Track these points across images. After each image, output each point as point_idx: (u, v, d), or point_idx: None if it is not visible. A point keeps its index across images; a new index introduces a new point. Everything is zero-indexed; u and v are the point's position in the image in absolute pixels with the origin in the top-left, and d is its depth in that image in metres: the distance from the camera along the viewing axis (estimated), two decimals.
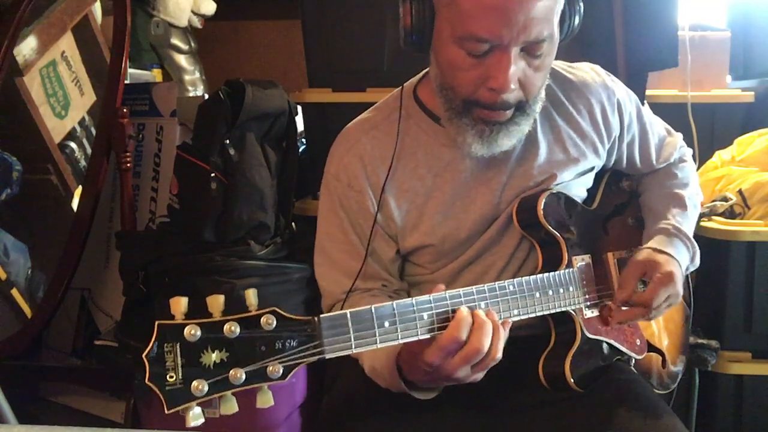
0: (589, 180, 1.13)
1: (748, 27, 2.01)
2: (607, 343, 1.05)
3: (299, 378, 1.59)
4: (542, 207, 1.01)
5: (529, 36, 0.88)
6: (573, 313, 1.00)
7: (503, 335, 0.86)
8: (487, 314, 0.85)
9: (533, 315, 0.95)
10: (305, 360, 0.73)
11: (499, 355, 0.86)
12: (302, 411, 1.62)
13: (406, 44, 0.99)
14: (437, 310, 0.83)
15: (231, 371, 0.69)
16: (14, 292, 1.98)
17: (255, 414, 1.53)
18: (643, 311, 1.02)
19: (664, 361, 1.17)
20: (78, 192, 2.07)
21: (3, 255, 1.96)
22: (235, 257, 1.49)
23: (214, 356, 0.68)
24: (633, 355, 1.08)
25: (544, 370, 1.00)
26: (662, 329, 1.19)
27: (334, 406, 1.08)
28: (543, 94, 1.00)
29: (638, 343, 1.10)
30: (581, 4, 0.97)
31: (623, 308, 1.03)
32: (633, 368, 1.11)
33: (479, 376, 0.87)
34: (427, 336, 0.83)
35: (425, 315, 0.82)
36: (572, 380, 0.98)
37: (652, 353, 1.14)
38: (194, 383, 0.67)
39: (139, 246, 1.61)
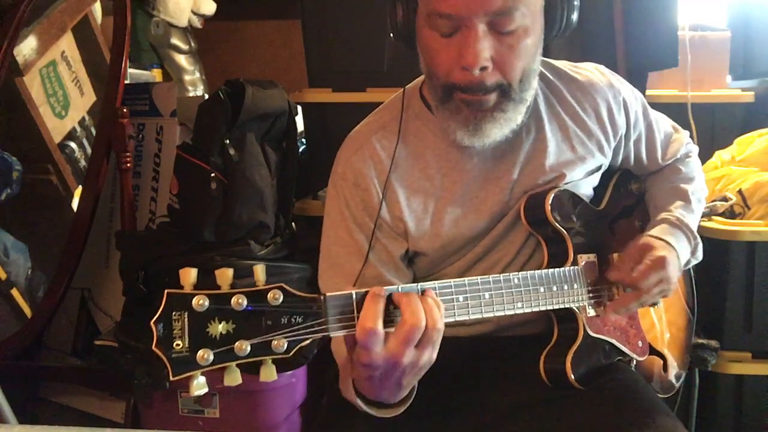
0: (596, 179, 1.13)
1: (748, 27, 2.01)
2: (609, 342, 1.05)
3: (299, 378, 1.59)
4: (550, 204, 1.01)
5: (491, 7, 0.88)
6: (576, 310, 1.00)
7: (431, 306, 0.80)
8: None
9: (536, 309, 0.95)
10: (310, 336, 0.73)
11: (440, 324, 0.79)
12: (302, 411, 1.62)
13: (396, 39, 1.01)
14: (442, 297, 0.84)
15: (236, 343, 0.69)
16: (14, 292, 1.98)
17: (255, 414, 1.53)
18: (635, 295, 1.01)
19: (665, 364, 1.17)
20: (78, 192, 2.07)
21: (3, 255, 1.96)
22: (235, 257, 1.49)
23: (220, 327, 0.69)
24: (634, 356, 1.08)
25: (545, 367, 1.00)
26: (665, 332, 1.19)
27: (334, 406, 1.08)
28: (534, 83, 0.99)
29: (640, 345, 1.10)
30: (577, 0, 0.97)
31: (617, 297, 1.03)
32: (633, 369, 1.11)
33: (432, 355, 0.81)
34: None
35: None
36: (573, 377, 0.98)
37: (653, 356, 1.14)
38: (200, 352, 0.68)
39: (139, 246, 1.61)
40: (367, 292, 0.78)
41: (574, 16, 0.98)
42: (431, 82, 0.98)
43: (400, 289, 0.80)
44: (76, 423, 1.85)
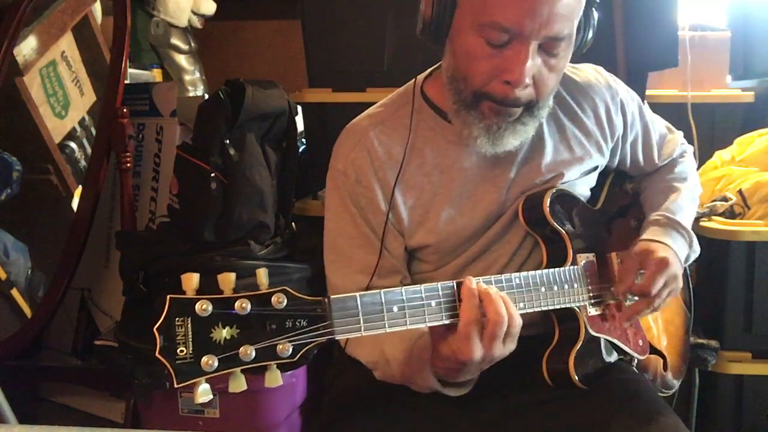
0: (592, 179, 1.13)
1: (748, 27, 2.01)
2: (610, 341, 1.05)
3: (299, 378, 1.59)
4: (548, 204, 1.02)
5: (550, 31, 0.89)
6: (577, 310, 1.00)
7: (505, 301, 0.87)
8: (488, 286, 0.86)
9: (538, 309, 0.95)
10: (315, 340, 0.73)
11: (519, 319, 0.86)
12: (302, 411, 1.62)
13: (424, 34, 0.99)
14: (445, 298, 0.84)
15: (241, 348, 0.69)
16: (14, 292, 1.98)
17: (255, 414, 1.53)
18: (647, 302, 1.02)
19: (665, 363, 1.17)
20: (78, 192, 2.07)
21: (3, 255, 1.96)
22: (235, 257, 1.49)
23: (224, 332, 0.68)
24: (635, 355, 1.09)
25: (548, 367, 1.00)
26: (662, 331, 1.19)
27: (334, 406, 1.08)
28: (551, 100, 1.00)
29: (641, 344, 1.10)
30: (596, 18, 0.98)
31: (627, 304, 1.04)
32: (635, 368, 1.11)
33: (511, 347, 0.87)
34: (434, 323, 0.83)
35: (433, 302, 0.83)
36: (576, 377, 0.98)
37: (653, 355, 1.14)
38: (204, 358, 0.67)
39: (139, 246, 1.61)
40: (374, 293, 0.78)
41: (590, 35, 0.99)
42: (457, 86, 0.97)
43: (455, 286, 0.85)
44: (76, 423, 1.85)
